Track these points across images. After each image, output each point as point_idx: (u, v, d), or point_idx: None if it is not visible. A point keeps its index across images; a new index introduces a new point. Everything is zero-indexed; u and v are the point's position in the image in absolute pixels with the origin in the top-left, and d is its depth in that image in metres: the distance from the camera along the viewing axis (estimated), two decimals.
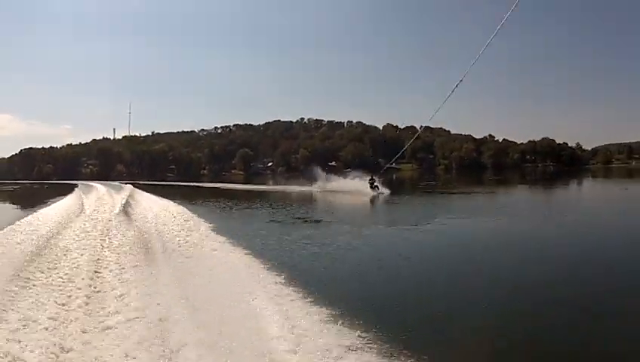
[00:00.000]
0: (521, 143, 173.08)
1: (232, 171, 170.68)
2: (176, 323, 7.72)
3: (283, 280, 10.73)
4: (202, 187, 77.42)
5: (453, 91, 29.30)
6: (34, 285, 10.23)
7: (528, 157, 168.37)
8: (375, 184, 43.64)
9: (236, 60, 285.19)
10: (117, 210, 25.68)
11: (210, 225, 20.42)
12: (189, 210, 27.91)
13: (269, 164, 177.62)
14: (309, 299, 9.29)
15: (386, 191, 42.23)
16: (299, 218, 26.22)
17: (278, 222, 24.41)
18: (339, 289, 10.63)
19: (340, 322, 7.98)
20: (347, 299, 9.55)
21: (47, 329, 7.60)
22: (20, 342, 6.97)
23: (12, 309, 8.32)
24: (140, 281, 10.59)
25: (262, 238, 18.22)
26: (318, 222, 25.03)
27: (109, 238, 16.76)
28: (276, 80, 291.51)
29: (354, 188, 45.09)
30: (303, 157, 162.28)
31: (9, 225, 19.90)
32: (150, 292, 9.64)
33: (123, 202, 30.57)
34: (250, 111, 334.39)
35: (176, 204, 32.15)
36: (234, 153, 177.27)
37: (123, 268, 11.97)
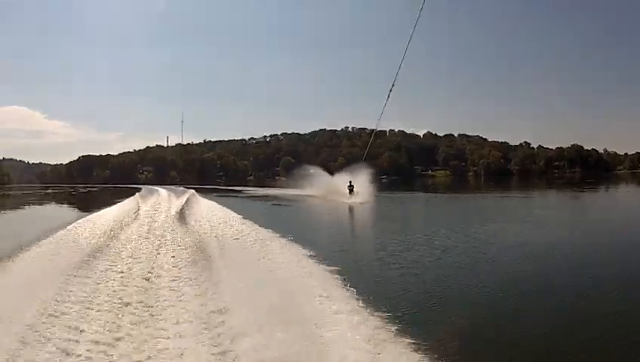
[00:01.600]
0: (549, 149, 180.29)
1: (276, 178, 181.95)
2: (232, 320, 7.83)
3: (339, 279, 11.01)
4: (244, 191, 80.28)
5: (388, 97, 28.96)
6: (93, 279, 11.06)
7: (557, 163, 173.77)
8: (355, 190, 38.81)
9: (286, 68, 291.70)
10: (174, 212, 27.91)
11: (264, 227, 20.74)
12: (235, 209, 30.82)
13: (311, 171, 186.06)
14: (382, 308, 8.89)
15: (365, 200, 36.19)
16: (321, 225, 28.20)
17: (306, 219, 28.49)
18: (408, 294, 10.62)
19: (409, 331, 7.79)
20: (411, 300, 10.02)
21: (103, 320, 8.16)
22: (78, 331, 7.54)
23: (70, 302, 8.96)
24: (196, 279, 10.82)
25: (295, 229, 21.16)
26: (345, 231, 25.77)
27: (168, 236, 18.13)
28: (325, 88, 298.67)
29: (334, 190, 41.10)
30: (340, 164, 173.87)
31: (78, 219, 24.68)
32: (207, 291, 9.78)
33: (182, 204, 32.98)
34: (299, 120, 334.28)
35: (222, 206, 34.31)
36: (278, 161, 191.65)
37: (179, 265, 12.68)
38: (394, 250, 16.34)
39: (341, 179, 45.23)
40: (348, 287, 10.29)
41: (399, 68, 26.44)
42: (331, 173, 60.08)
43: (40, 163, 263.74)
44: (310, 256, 14.00)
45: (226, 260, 13.22)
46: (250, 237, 18.16)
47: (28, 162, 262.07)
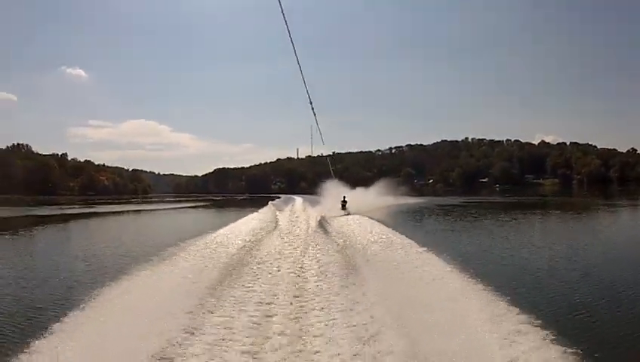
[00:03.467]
0: None
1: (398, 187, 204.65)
2: (380, 334, 7.60)
3: (493, 294, 10.08)
4: None
5: (315, 115, 25.20)
6: (239, 286, 11.36)
7: None
8: (347, 205, 38.08)
9: (415, 80, 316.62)
10: (314, 223, 27.88)
11: (408, 237, 19.58)
12: (370, 216, 31.75)
13: (430, 181, 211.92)
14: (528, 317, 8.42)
15: (353, 213, 34.79)
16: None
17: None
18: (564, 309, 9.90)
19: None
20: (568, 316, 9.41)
21: (252, 324, 8.42)
22: (223, 340, 7.69)
23: (216, 312, 9.17)
24: (342, 291, 10.64)
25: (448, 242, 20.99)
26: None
27: (311, 246, 18.13)
28: (450, 98, 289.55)
29: (329, 203, 40.76)
30: (458, 174, 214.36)
31: (225, 225, 27.25)
32: (353, 302, 9.54)
33: (320, 211, 34.57)
34: (423, 131, 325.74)
35: (358, 214, 34.15)
36: (400, 171, 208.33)
37: (325, 276, 12.44)
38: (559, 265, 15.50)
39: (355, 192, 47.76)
40: (509, 306, 9.14)
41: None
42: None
43: (170, 174, 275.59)
44: (462, 269, 12.68)
45: (372, 270, 12.99)
46: (392, 244, 18.10)
47: (158, 173, 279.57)
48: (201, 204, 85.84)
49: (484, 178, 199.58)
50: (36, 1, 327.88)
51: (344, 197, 40.09)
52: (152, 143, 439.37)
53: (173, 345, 7.35)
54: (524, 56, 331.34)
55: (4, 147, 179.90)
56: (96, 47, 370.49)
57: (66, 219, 45.57)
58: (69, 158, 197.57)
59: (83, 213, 54.36)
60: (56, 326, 8.71)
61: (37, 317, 9.94)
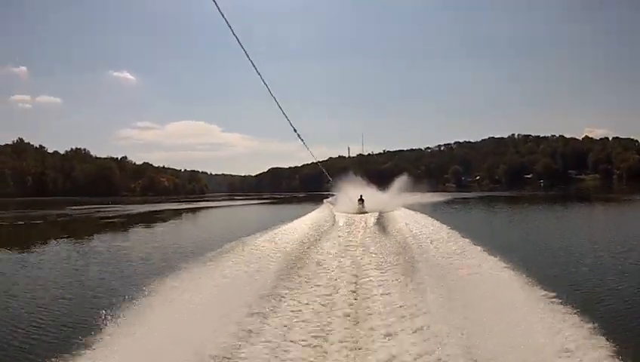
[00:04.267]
0: None
1: (446, 184, 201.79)
2: (443, 333, 7.52)
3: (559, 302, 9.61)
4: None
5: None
6: (299, 284, 11.53)
7: None
8: (364, 203, 39.28)
9: (457, 77, 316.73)
10: (373, 220, 28.11)
11: (466, 236, 19.33)
12: (425, 212, 32.90)
13: (476, 178, 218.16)
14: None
15: (373, 210, 35.55)
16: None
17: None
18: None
19: None
20: None
21: (311, 322, 8.52)
22: (288, 329, 7.92)
23: (279, 309, 9.31)
24: (402, 289, 10.67)
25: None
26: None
27: (369, 240, 18.72)
28: (499, 96, 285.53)
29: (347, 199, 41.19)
30: (503, 171, 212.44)
31: (292, 220, 28.81)
32: (412, 304, 9.41)
33: (379, 211, 34.24)
34: (471, 128, 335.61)
35: (411, 210, 35.94)
36: (448, 169, 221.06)
37: (384, 268, 12.80)
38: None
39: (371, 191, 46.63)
40: (575, 314, 8.64)
41: None
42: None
43: (222, 174, 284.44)
44: (521, 270, 12.32)
45: (429, 267, 12.90)
46: (448, 241, 17.95)
47: (210, 173, 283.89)
48: (268, 201, 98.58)
49: (528, 174, 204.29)
50: (82, 6, 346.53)
51: (361, 195, 40.57)
52: (202, 143, 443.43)
53: (234, 343, 7.45)
54: (571, 50, 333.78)
55: (62, 151, 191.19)
56: (143, 49, 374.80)
57: (178, 213, 60.00)
58: (123, 161, 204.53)
59: (190, 208, 70.59)
60: (129, 310, 9.76)
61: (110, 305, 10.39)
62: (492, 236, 24.29)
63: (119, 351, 7.49)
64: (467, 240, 18.32)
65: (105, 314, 9.66)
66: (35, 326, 10.56)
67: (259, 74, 16.41)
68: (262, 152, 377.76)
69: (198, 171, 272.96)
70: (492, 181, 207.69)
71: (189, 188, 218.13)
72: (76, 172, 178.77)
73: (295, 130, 22.74)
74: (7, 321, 11.17)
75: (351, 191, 44.23)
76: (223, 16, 12.06)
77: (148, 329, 8.36)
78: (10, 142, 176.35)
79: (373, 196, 44.52)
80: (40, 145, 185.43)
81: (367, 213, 34.84)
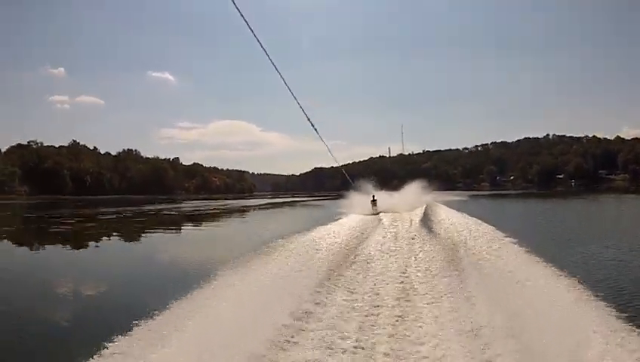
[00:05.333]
0: None
1: (481, 184, 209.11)
2: (489, 335, 7.52)
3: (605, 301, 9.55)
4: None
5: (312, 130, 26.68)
6: (347, 281, 11.62)
7: None
8: (377, 204, 39.66)
9: (506, 76, 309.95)
10: (418, 219, 28.26)
11: (508, 235, 19.30)
12: (467, 211, 33.09)
13: (511, 178, 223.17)
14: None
15: (382, 210, 36.54)
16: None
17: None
18: None
19: None
20: None
21: (359, 322, 8.55)
22: (333, 331, 7.94)
23: (325, 309, 9.27)
24: (448, 290, 10.59)
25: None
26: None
27: (416, 240, 18.63)
28: (535, 96, 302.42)
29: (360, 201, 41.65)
30: (536, 171, 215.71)
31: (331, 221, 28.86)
32: (460, 301, 9.49)
33: (423, 209, 34.64)
34: (507, 128, 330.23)
35: (451, 208, 37.08)
36: (483, 169, 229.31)
37: (431, 276, 12.36)
38: None
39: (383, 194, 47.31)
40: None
41: None
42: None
43: (264, 173, 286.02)
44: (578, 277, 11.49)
45: (475, 267, 12.79)
46: (492, 241, 17.64)
47: (252, 173, 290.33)
48: (323, 199, 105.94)
49: (560, 174, 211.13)
50: (120, 7, 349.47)
51: (373, 196, 41.71)
52: (242, 143, 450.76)
53: (280, 339, 7.48)
54: (607, 49, 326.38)
55: (114, 153, 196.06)
56: (179, 49, 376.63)
57: (262, 207, 72.76)
58: (175, 161, 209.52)
59: (261, 204, 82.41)
60: (175, 305, 9.79)
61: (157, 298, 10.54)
62: (530, 231, 24.89)
63: (174, 344, 7.55)
64: (511, 239, 18.31)
65: (168, 302, 10.02)
66: (92, 309, 12.18)
67: (279, 72, 17.18)
68: (300, 151, 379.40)
69: (238, 170, 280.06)
70: (525, 181, 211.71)
71: (238, 188, 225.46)
72: (131, 172, 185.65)
73: (313, 125, 23.64)
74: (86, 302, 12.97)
75: (367, 194, 45.26)
76: (243, 17, 12.35)
77: (206, 323, 8.53)
78: (65, 144, 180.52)
79: (390, 197, 47.31)
80: (94, 147, 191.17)
81: (379, 213, 35.87)
